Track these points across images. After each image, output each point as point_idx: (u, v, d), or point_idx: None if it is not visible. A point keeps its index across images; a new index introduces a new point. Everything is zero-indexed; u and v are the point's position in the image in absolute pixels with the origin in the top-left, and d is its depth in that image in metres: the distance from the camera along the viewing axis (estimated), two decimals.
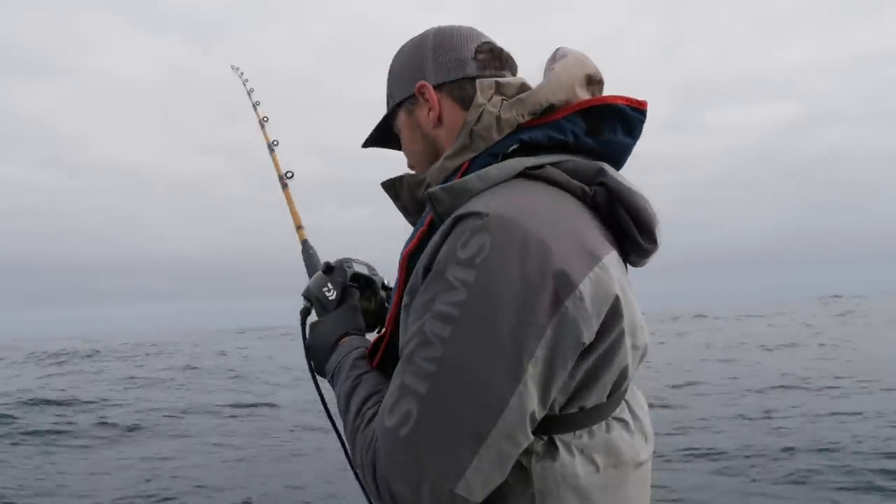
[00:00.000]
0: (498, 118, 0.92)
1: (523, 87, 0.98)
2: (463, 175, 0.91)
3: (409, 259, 0.90)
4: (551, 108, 0.92)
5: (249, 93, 1.64)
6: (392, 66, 1.08)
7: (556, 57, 0.98)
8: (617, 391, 0.89)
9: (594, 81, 0.96)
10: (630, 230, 0.89)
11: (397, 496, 0.79)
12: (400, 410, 0.79)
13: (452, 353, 0.77)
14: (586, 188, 0.88)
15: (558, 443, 0.83)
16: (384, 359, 0.98)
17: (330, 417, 1.15)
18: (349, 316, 1.14)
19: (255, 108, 1.58)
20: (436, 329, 0.79)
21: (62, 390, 12.22)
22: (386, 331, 0.96)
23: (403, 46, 1.07)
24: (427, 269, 0.84)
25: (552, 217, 0.82)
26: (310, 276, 1.30)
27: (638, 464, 0.91)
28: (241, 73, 1.71)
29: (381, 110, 1.12)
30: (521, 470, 0.81)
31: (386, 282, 1.24)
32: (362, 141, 1.19)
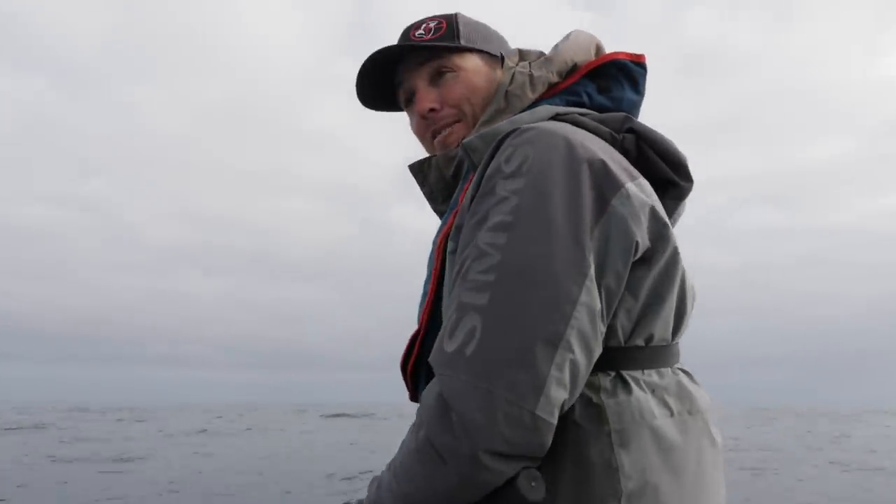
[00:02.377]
0: (531, 76, 0.95)
1: (542, 54, 1.02)
2: None
3: (446, 243, 0.84)
4: (574, 68, 0.96)
5: None
6: (470, 20, 1.06)
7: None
8: (679, 329, 0.84)
9: (602, 52, 1.01)
10: (662, 169, 0.88)
11: (469, 423, 0.66)
12: (462, 330, 0.70)
13: (512, 256, 0.71)
14: (615, 134, 0.88)
15: (628, 378, 0.76)
16: (420, 360, 0.85)
17: None
18: None
19: None
20: (491, 240, 0.73)
21: None
22: (420, 326, 0.86)
23: (475, 20, 1.07)
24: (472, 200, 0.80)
25: (590, 137, 0.82)
26: None
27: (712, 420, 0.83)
28: None
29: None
30: (591, 406, 0.73)
31: None
32: (375, 54, 1.01)
